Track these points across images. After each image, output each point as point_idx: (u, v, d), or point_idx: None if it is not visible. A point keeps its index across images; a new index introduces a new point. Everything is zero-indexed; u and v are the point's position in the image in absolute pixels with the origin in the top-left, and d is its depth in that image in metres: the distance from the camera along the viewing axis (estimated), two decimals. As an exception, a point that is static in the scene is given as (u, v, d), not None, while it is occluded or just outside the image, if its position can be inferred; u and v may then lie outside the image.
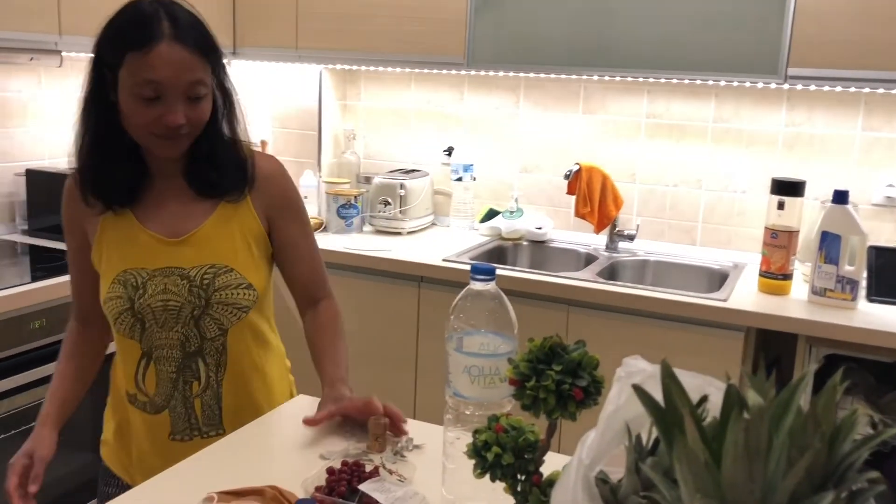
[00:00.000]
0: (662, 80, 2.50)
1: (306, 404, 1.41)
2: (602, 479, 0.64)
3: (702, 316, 2.17)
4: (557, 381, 0.79)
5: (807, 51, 2.21)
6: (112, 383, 1.46)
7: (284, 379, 1.52)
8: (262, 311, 1.43)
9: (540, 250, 2.83)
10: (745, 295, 2.26)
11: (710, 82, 2.44)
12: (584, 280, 2.35)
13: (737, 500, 0.51)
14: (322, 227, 2.85)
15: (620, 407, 0.66)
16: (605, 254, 2.70)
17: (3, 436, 2.01)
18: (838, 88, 2.34)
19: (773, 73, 2.26)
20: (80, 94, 1.33)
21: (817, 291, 2.19)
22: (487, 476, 0.90)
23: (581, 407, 0.81)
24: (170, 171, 1.37)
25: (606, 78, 2.63)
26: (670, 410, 0.56)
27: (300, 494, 1.08)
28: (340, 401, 1.32)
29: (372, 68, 2.99)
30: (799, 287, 2.30)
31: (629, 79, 2.61)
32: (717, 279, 2.50)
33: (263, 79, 3.22)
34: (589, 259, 2.69)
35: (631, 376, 0.67)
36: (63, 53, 2.34)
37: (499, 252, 2.81)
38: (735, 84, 2.45)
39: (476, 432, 0.92)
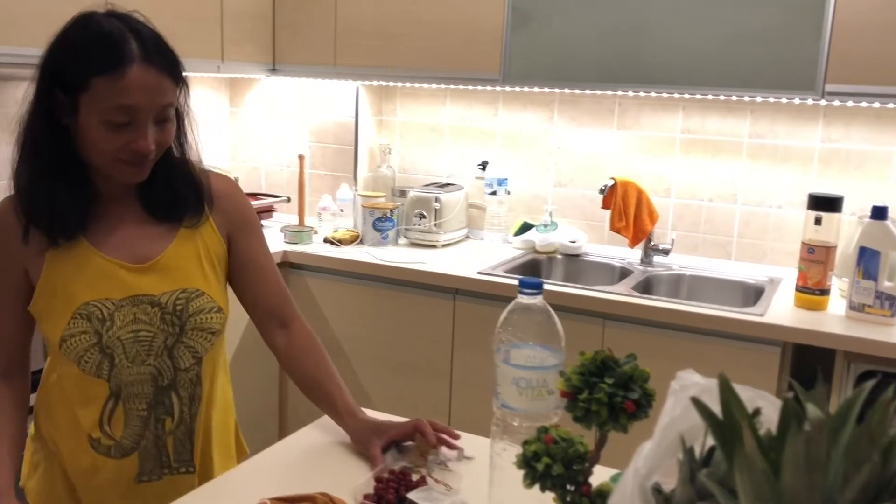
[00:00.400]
0: (698, 97, 2.51)
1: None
2: (656, 490, 0.66)
3: (739, 330, 2.18)
4: (610, 394, 0.81)
5: (844, 67, 2.21)
6: (40, 431, 1.35)
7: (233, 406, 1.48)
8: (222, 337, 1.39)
9: (574, 264, 2.84)
10: (781, 310, 2.26)
11: (746, 98, 2.45)
12: (620, 294, 2.36)
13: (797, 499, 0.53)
14: (358, 239, 2.89)
15: (675, 419, 0.68)
16: (640, 268, 2.71)
17: None
18: (876, 104, 2.34)
19: (810, 89, 2.26)
20: (21, 112, 1.23)
21: (855, 307, 2.19)
22: (534, 487, 0.92)
23: (632, 419, 0.83)
24: (122, 194, 1.29)
25: (642, 94, 2.65)
26: (729, 422, 0.58)
27: (350, 502, 1.11)
28: (384, 430, 1.29)
29: (408, 84, 3.03)
30: (836, 302, 2.29)
31: (664, 95, 2.63)
32: (753, 294, 2.50)
33: (301, 94, 3.28)
34: (624, 273, 2.70)
35: (685, 389, 0.69)
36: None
37: (533, 265, 2.83)
38: (771, 100, 2.46)
39: (526, 443, 0.94)
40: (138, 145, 1.18)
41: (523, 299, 1.04)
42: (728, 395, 0.59)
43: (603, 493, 0.89)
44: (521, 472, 0.94)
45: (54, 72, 1.19)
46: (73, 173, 1.23)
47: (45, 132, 1.21)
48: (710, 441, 0.69)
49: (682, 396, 0.71)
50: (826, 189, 2.53)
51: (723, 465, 0.65)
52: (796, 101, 2.39)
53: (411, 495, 1.11)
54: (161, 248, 1.30)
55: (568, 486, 0.91)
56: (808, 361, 2.29)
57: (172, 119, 1.24)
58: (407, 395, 2.63)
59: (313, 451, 1.33)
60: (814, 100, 2.28)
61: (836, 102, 2.37)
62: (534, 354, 1.04)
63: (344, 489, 1.12)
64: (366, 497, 1.11)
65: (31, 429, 1.38)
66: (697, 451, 0.70)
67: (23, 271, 1.26)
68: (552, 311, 1.04)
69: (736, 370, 2.16)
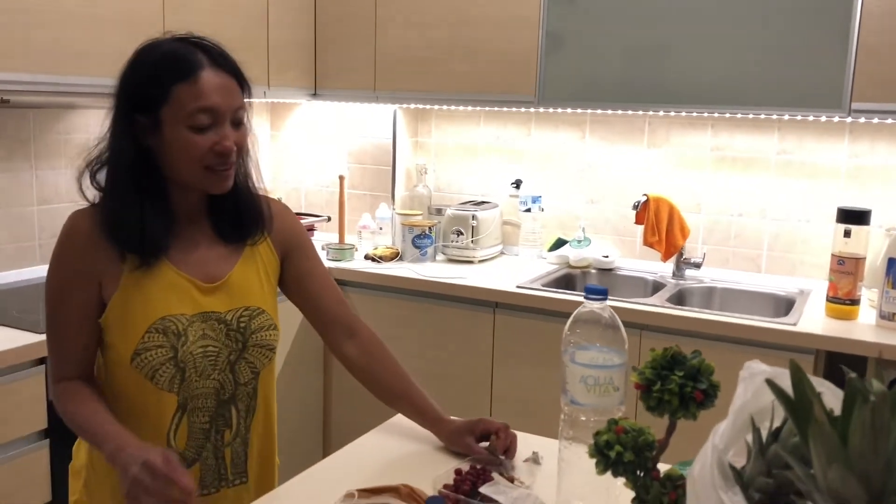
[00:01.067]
0: (727, 115, 2.61)
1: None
2: (730, 465, 0.76)
3: (773, 339, 2.26)
4: (680, 385, 0.91)
5: (870, 85, 2.31)
6: (87, 452, 1.39)
7: None
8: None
9: (607, 278, 2.94)
10: (813, 320, 2.34)
11: (774, 116, 2.55)
12: (656, 305, 2.45)
13: (864, 470, 0.62)
14: (398, 256, 3.00)
15: (747, 402, 0.78)
16: (672, 281, 2.80)
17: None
18: (901, 120, 2.43)
19: (837, 107, 2.36)
20: (101, 149, 1.31)
21: (885, 316, 2.27)
22: (600, 478, 1.02)
23: (701, 408, 0.93)
24: (195, 216, 1.36)
25: (672, 113, 2.76)
26: (800, 398, 0.68)
27: (430, 493, 1.21)
28: (472, 428, 1.38)
29: (444, 107, 3.15)
30: (866, 313, 2.37)
31: (694, 114, 2.72)
32: (784, 305, 2.59)
33: (340, 118, 3.41)
34: (657, 286, 2.79)
35: (755, 376, 0.79)
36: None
37: (567, 279, 2.93)
38: (799, 118, 2.56)
39: (597, 434, 1.03)
40: (222, 146, 1.26)
41: (590, 304, 1.14)
42: (799, 375, 0.68)
43: (672, 478, 0.98)
44: (587, 464, 1.03)
45: (131, 96, 1.28)
46: (157, 195, 1.30)
47: (130, 157, 1.28)
48: (777, 423, 0.79)
49: (752, 382, 0.81)
50: (853, 202, 2.62)
51: (790, 439, 0.75)
52: (823, 118, 2.49)
53: (482, 489, 1.20)
54: (228, 268, 1.38)
55: (638, 472, 1.00)
56: (840, 371, 2.37)
57: (245, 123, 1.32)
58: (448, 406, 2.71)
59: (388, 448, 1.43)
60: (840, 117, 2.38)
61: (863, 119, 2.46)
62: (600, 355, 1.13)
63: (424, 481, 1.22)
64: (445, 486, 1.21)
65: (76, 457, 1.43)
66: (764, 432, 0.80)
67: (97, 284, 1.30)
68: (617, 316, 1.14)
69: (771, 378, 2.24)
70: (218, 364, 1.34)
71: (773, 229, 2.83)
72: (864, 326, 2.30)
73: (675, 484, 0.99)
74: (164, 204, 1.32)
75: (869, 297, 2.43)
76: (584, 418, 1.15)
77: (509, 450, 1.37)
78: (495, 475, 1.24)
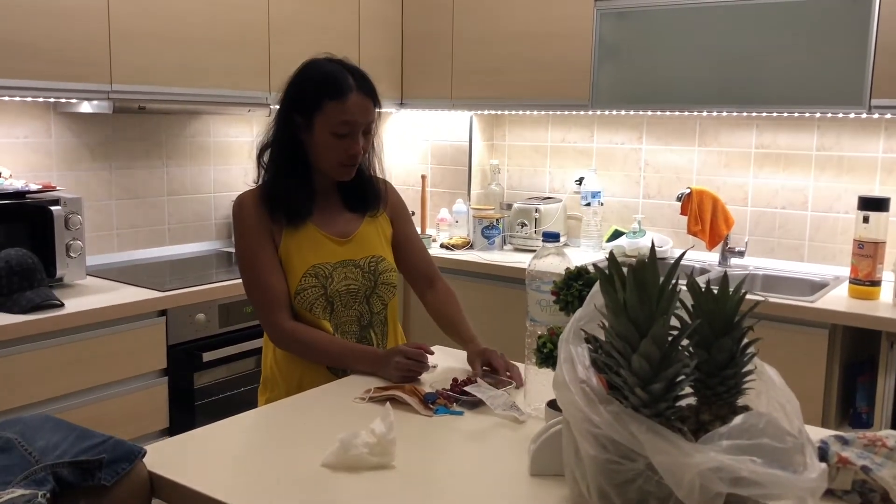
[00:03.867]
0: (763, 115, 2.84)
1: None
2: (582, 329, 1.09)
3: (792, 315, 2.48)
4: (580, 290, 1.25)
5: (888, 83, 2.50)
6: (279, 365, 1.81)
7: None
8: None
9: (661, 266, 3.19)
10: (834, 299, 2.54)
11: (807, 114, 2.76)
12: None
13: (635, 317, 0.95)
14: (469, 244, 3.38)
15: (595, 293, 1.11)
16: (718, 268, 3.03)
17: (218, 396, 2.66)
18: (925, 116, 2.60)
19: (859, 104, 2.56)
20: (268, 137, 1.76)
21: (900, 295, 2.44)
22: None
23: (596, 308, 1.25)
24: (329, 192, 1.81)
25: (724, 114, 3.01)
26: (610, 275, 1.01)
27: (427, 389, 1.57)
28: (482, 354, 1.76)
29: (513, 112, 3.52)
30: (888, 293, 2.55)
31: (744, 114, 2.96)
32: (819, 288, 2.78)
33: (422, 124, 3.84)
34: (703, 272, 3.04)
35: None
36: (272, 106, 3.05)
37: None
38: (829, 115, 2.76)
39: (539, 337, 1.38)
40: (353, 150, 1.71)
41: (548, 246, 1.49)
42: (614, 261, 1.02)
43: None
44: (548, 372, 1.36)
45: (294, 101, 1.72)
46: (304, 175, 1.76)
47: (287, 146, 1.74)
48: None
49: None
50: (889, 194, 2.78)
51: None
52: (851, 115, 2.69)
53: (468, 388, 1.56)
54: (356, 228, 1.83)
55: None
56: (859, 347, 2.56)
57: (372, 132, 1.77)
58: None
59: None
60: (856, 113, 2.58)
61: (888, 115, 2.64)
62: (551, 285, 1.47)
63: (427, 383, 1.59)
64: (441, 388, 1.58)
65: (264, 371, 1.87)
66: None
67: (272, 240, 1.75)
68: (566, 253, 1.48)
69: (787, 351, 2.47)
70: (357, 297, 1.79)
71: (815, 221, 3.01)
72: (882, 305, 2.48)
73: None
74: (309, 183, 1.78)
75: (892, 280, 2.60)
76: (539, 332, 1.48)
77: (511, 372, 1.72)
78: (479, 380, 1.59)
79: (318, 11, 3.16)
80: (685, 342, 1.01)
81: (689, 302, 1.08)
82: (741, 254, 3.04)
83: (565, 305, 1.27)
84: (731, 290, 1.05)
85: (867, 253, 2.53)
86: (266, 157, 1.78)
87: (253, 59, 2.94)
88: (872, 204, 2.54)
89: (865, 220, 2.53)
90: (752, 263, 3.06)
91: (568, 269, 1.30)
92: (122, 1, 2.55)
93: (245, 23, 2.91)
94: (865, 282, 2.54)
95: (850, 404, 2.55)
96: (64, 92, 2.48)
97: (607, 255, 1.04)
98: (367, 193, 1.85)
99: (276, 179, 1.75)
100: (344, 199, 1.84)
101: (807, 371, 2.48)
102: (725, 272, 1.18)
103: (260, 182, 1.79)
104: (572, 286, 1.26)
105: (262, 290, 1.75)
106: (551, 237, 1.49)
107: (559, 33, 3.13)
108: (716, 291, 1.06)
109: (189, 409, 2.57)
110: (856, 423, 2.51)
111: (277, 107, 1.77)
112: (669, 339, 0.97)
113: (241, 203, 1.77)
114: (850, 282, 2.58)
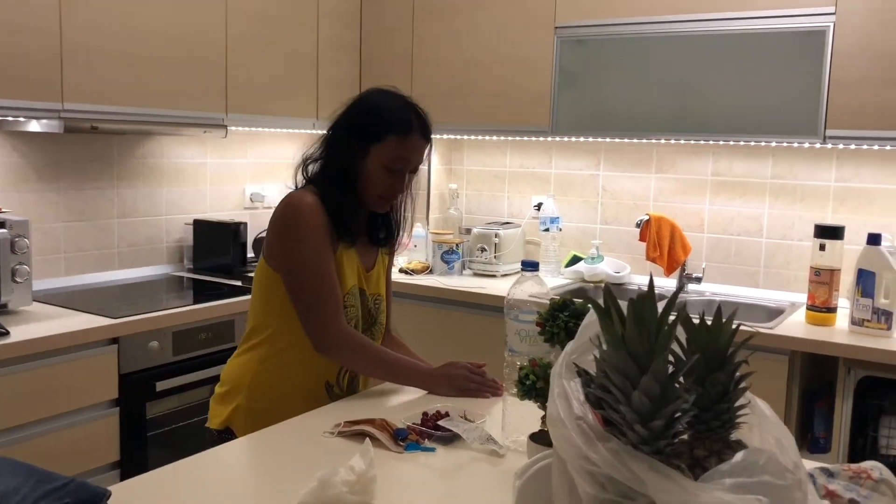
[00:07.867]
0: (720, 143, 2.89)
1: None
2: (574, 363, 1.07)
3: (752, 342, 2.50)
4: (566, 322, 1.22)
5: (842, 115, 2.57)
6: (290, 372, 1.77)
7: None
8: None
9: (618, 291, 3.21)
10: (793, 325, 2.58)
11: (763, 143, 2.82)
12: (649, 312, 2.72)
13: (635, 351, 0.93)
14: (428, 269, 3.34)
15: (592, 322, 1.09)
16: (682, 295, 3.06)
17: (172, 426, 2.56)
18: (876, 147, 2.67)
19: (813, 134, 2.62)
20: (317, 152, 1.75)
21: (856, 322, 2.49)
22: (535, 414, 1.32)
23: (582, 340, 1.23)
24: (362, 220, 1.82)
25: (681, 141, 3.05)
26: (606, 308, 0.99)
27: (399, 424, 1.53)
28: (450, 366, 1.82)
29: (473, 137, 3.51)
30: (843, 321, 2.59)
31: (700, 142, 3.01)
32: (775, 315, 2.82)
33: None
34: (660, 298, 3.05)
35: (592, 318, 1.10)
36: (230, 128, 2.98)
37: (581, 293, 3.22)
38: (784, 144, 2.82)
39: (521, 368, 1.35)
40: (397, 187, 1.73)
41: (526, 275, 1.46)
42: (609, 295, 1.00)
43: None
44: (527, 403, 1.34)
45: (355, 125, 1.71)
46: (353, 197, 1.74)
47: (342, 167, 1.71)
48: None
49: (593, 315, 1.11)
50: (841, 222, 2.85)
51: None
52: (806, 145, 2.75)
53: (442, 422, 1.52)
54: (374, 262, 1.85)
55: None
56: (816, 372, 2.60)
57: (418, 172, 1.78)
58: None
59: (378, 401, 1.76)
60: (810, 143, 2.65)
61: (839, 145, 2.71)
62: (530, 313, 1.45)
63: (398, 419, 1.55)
64: (413, 423, 1.53)
65: (222, 386, 1.81)
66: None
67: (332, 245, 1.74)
68: (544, 281, 1.45)
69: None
70: (359, 328, 1.80)
71: (770, 248, 3.07)
72: (838, 331, 2.53)
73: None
74: (359, 206, 1.76)
75: (847, 307, 2.65)
76: (519, 363, 1.46)
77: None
78: (451, 413, 1.56)
79: (276, 33, 3.11)
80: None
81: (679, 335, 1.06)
82: (699, 280, 3.07)
83: (551, 337, 1.24)
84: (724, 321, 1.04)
85: (824, 280, 2.57)
86: (311, 170, 1.77)
87: (210, 80, 2.87)
88: (829, 232, 2.59)
89: (822, 247, 2.58)
90: (709, 289, 3.10)
91: (553, 299, 1.28)
92: (74, 18, 2.46)
93: (202, 43, 2.84)
94: (822, 308, 2.58)
95: (808, 430, 2.58)
96: (12, 110, 2.38)
97: (603, 291, 1.02)
98: (389, 228, 1.87)
99: (333, 196, 1.71)
100: (370, 232, 1.84)
101: (767, 397, 2.44)
102: (719, 305, 1.17)
103: (301, 188, 1.75)
104: (558, 317, 1.23)
105: (328, 290, 1.70)
106: (530, 266, 1.46)
107: (519, 59, 3.15)
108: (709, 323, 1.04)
109: (141, 440, 2.46)
110: (814, 448, 2.54)
111: (336, 125, 1.75)
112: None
113: (307, 203, 1.70)
114: (808, 308, 2.62)
